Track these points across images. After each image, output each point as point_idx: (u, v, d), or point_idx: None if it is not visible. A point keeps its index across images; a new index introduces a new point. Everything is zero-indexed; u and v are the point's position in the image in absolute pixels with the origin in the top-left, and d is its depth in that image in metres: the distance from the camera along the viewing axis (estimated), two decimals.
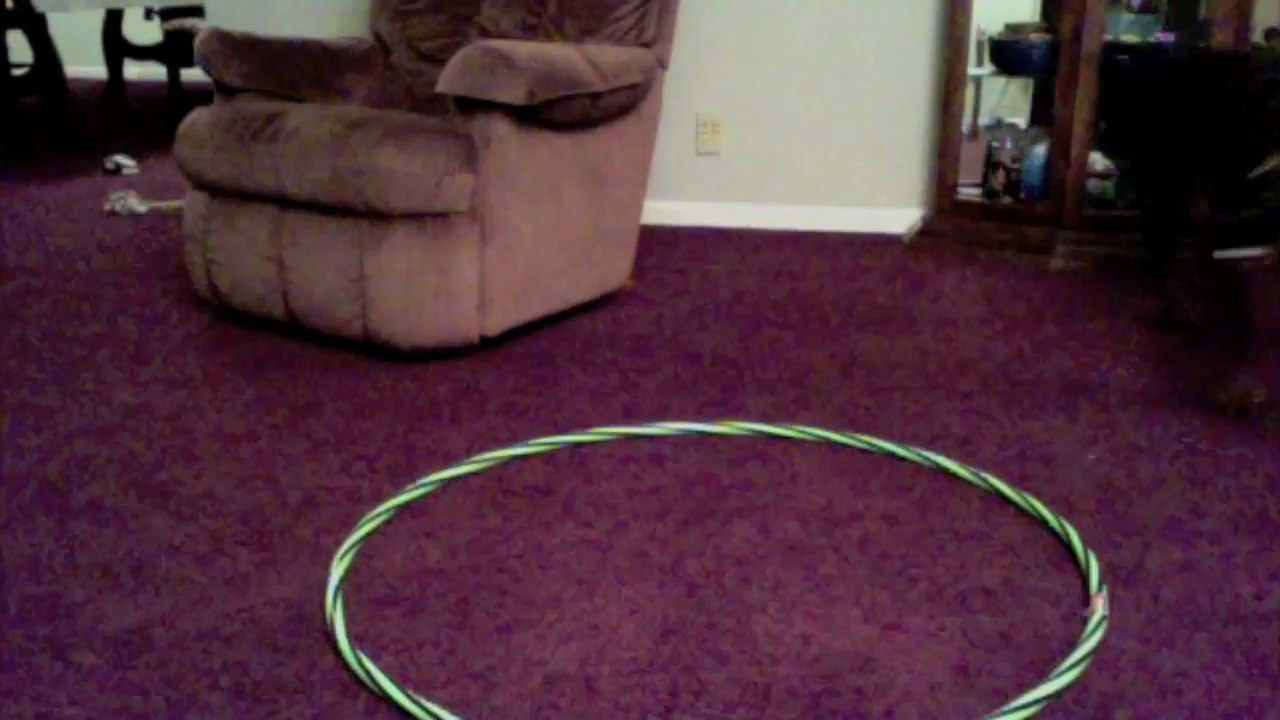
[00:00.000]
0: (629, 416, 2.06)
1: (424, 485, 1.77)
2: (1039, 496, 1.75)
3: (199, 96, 3.16)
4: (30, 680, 1.32)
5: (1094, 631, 1.37)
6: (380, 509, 1.69)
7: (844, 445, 1.92)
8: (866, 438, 1.93)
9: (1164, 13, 3.15)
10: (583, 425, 2.02)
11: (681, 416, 2.06)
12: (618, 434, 1.96)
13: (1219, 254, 3.02)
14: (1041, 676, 1.31)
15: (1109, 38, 3.01)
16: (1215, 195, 2.25)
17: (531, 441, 1.93)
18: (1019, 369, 2.30)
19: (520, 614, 1.44)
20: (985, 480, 1.78)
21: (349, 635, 1.39)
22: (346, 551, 1.57)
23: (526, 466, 1.86)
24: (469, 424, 2.04)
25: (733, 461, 1.88)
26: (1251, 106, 2.05)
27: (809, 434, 1.95)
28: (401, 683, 1.30)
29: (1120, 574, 1.53)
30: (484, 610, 1.45)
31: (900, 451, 1.89)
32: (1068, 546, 1.60)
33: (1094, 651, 1.35)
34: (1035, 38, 3.14)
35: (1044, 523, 1.66)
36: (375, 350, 2.36)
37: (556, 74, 2.26)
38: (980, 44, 3.30)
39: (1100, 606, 1.42)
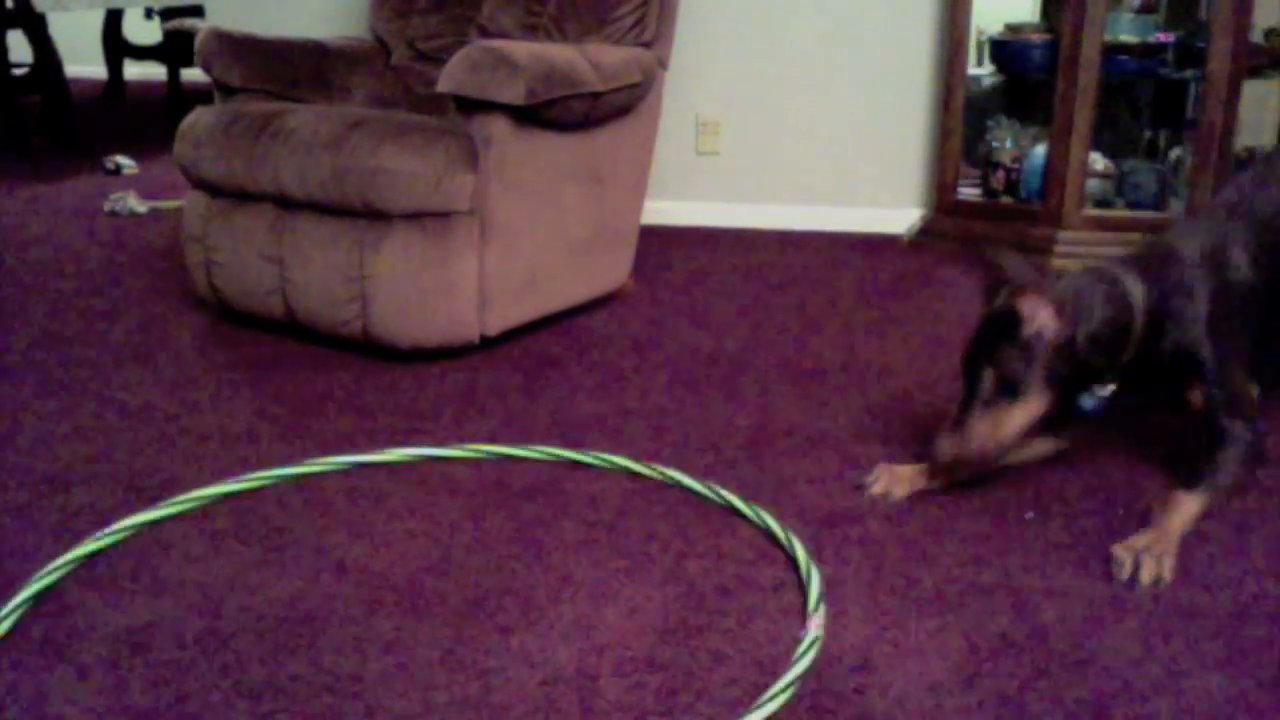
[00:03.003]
0: (629, 416, 2.06)
1: (111, 534, 1.62)
2: (1037, 494, 1.75)
3: (199, 96, 3.15)
4: (30, 680, 1.32)
5: (805, 654, 1.32)
6: (60, 561, 1.54)
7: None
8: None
9: (1164, 13, 3.15)
10: (583, 426, 2.02)
11: (680, 415, 2.06)
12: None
13: None
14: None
15: (1109, 38, 3.01)
16: None
17: (252, 476, 1.80)
18: None
19: (520, 614, 1.44)
20: (720, 495, 1.72)
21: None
22: (7, 615, 1.42)
23: (519, 469, 1.86)
24: (469, 424, 2.04)
25: (734, 461, 1.87)
26: None
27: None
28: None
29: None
30: (484, 610, 1.45)
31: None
32: (793, 562, 1.55)
33: (804, 675, 1.30)
34: (1035, 38, 3.14)
35: (773, 538, 1.61)
36: (375, 350, 2.36)
37: (556, 74, 2.26)
38: (980, 44, 3.30)
39: (814, 628, 1.37)
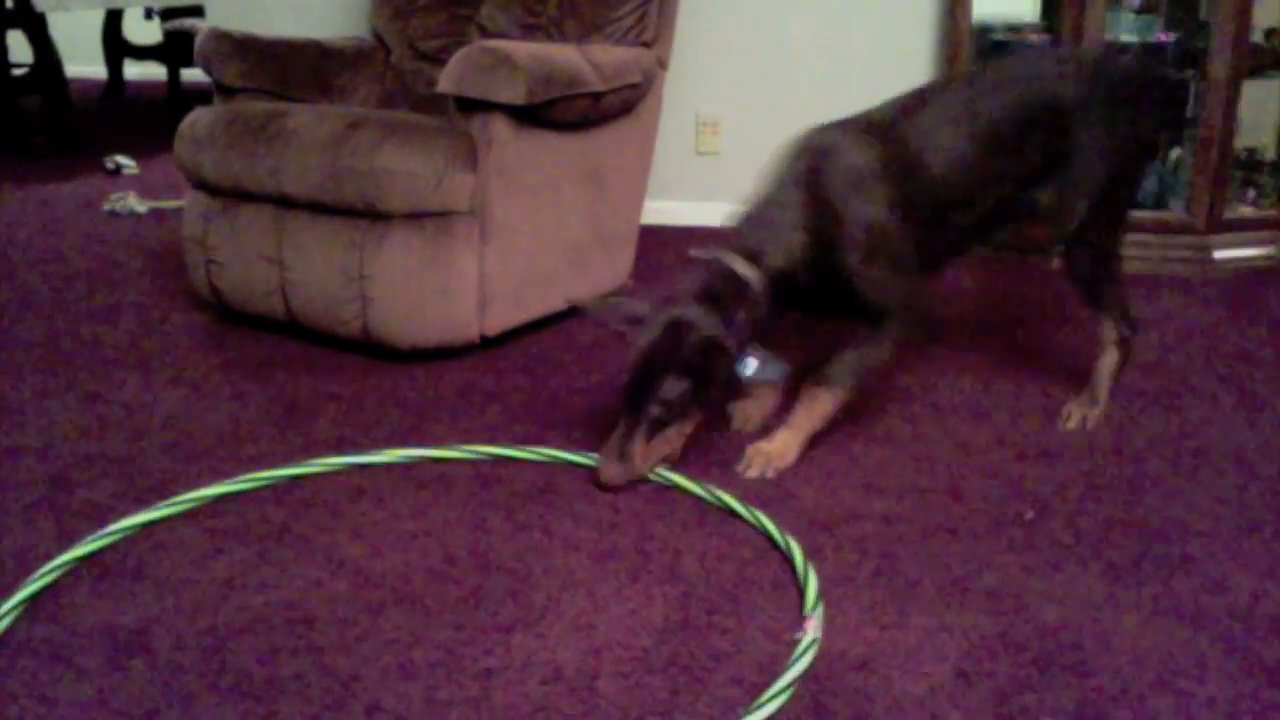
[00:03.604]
0: None
1: (111, 534, 1.62)
2: (1037, 494, 1.75)
3: (199, 96, 3.16)
4: (30, 680, 1.32)
5: (803, 654, 1.32)
6: (59, 561, 1.54)
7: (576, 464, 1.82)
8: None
9: (1164, 13, 3.15)
10: (583, 426, 2.02)
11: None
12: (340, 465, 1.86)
13: (1219, 254, 3.02)
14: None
15: (1109, 38, 3.01)
16: None
17: (252, 476, 1.80)
18: (1019, 368, 2.30)
19: (520, 614, 1.44)
20: (716, 496, 1.71)
21: None
22: (7, 615, 1.42)
23: (518, 469, 1.86)
24: (469, 424, 2.04)
25: (734, 461, 1.87)
26: None
27: (543, 455, 1.85)
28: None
29: (1121, 573, 1.53)
30: (484, 610, 1.45)
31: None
32: (789, 562, 1.55)
33: (804, 675, 1.30)
34: (1035, 38, 3.14)
35: (770, 540, 1.62)
36: (375, 350, 2.36)
37: (556, 74, 2.26)
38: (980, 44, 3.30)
39: (812, 629, 1.37)
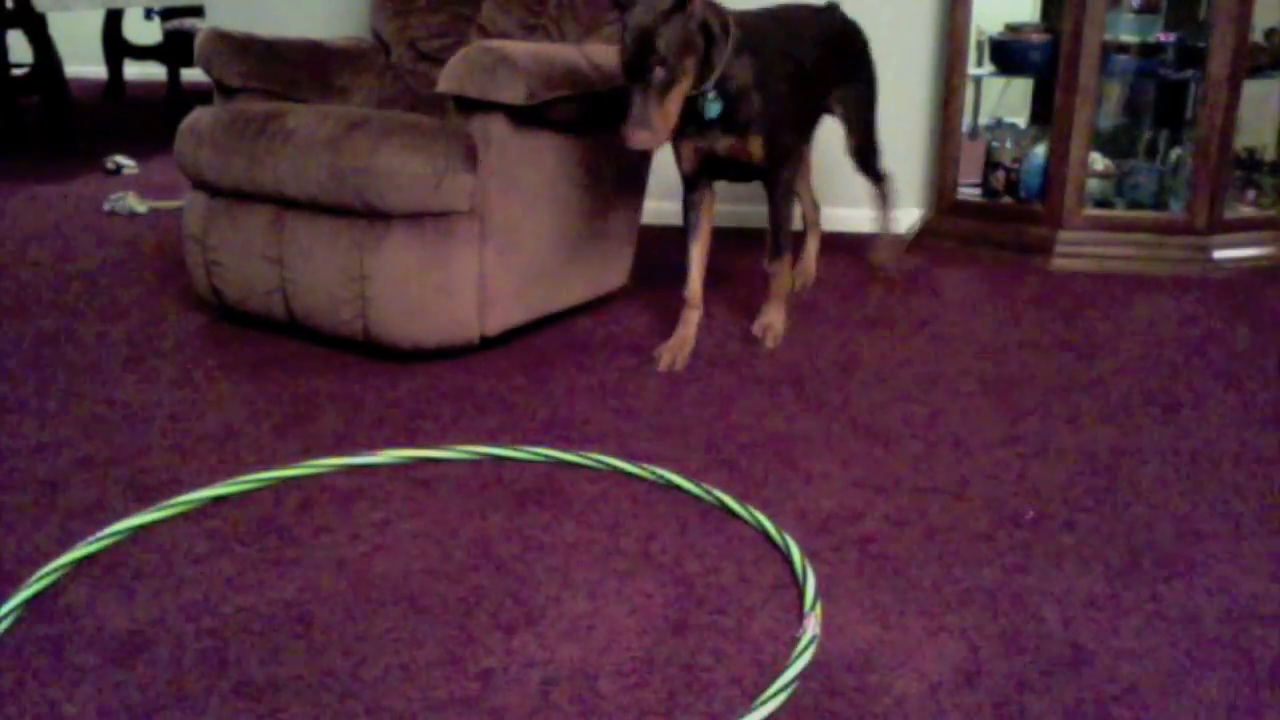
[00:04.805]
0: (629, 416, 2.06)
1: (110, 534, 1.62)
2: (1037, 494, 1.75)
3: (199, 96, 3.16)
4: (30, 680, 1.32)
5: (803, 652, 1.32)
6: (59, 561, 1.54)
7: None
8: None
9: (1164, 13, 3.15)
10: (582, 426, 2.02)
11: (680, 415, 2.06)
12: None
13: (1219, 254, 3.02)
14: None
15: (1109, 38, 3.01)
16: None
17: (252, 477, 1.79)
18: (1018, 369, 2.30)
19: (520, 614, 1.44)
20: (714, 496, 1.72)
21: None
22: (6, 615, 1.42)
23: (518, 469, 1.86)
24: (469, 424, 2.04)
25: (734, 461, 1.87)
26: None
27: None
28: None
29: (1121, 573, 1.53)
30: (484, 610, 1.45)
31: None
32: (788, 561, 1.56)
33: (803, 675, 1.30)
34: (1035, 38, 3.14)
35: (767, 536, 1.62)
36: (375, 350, 2.36)
37: (556, 74, 2.26)
38: (980, 44, 3.30)
39: (812, 626, 1.38)
